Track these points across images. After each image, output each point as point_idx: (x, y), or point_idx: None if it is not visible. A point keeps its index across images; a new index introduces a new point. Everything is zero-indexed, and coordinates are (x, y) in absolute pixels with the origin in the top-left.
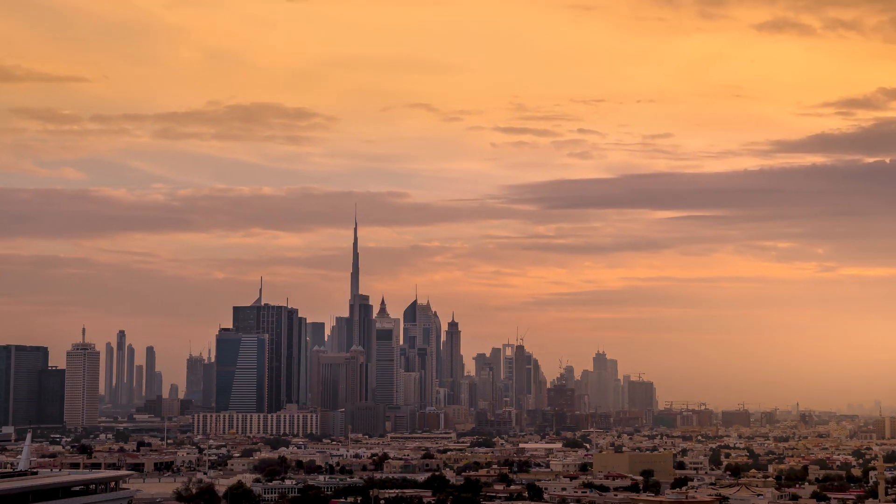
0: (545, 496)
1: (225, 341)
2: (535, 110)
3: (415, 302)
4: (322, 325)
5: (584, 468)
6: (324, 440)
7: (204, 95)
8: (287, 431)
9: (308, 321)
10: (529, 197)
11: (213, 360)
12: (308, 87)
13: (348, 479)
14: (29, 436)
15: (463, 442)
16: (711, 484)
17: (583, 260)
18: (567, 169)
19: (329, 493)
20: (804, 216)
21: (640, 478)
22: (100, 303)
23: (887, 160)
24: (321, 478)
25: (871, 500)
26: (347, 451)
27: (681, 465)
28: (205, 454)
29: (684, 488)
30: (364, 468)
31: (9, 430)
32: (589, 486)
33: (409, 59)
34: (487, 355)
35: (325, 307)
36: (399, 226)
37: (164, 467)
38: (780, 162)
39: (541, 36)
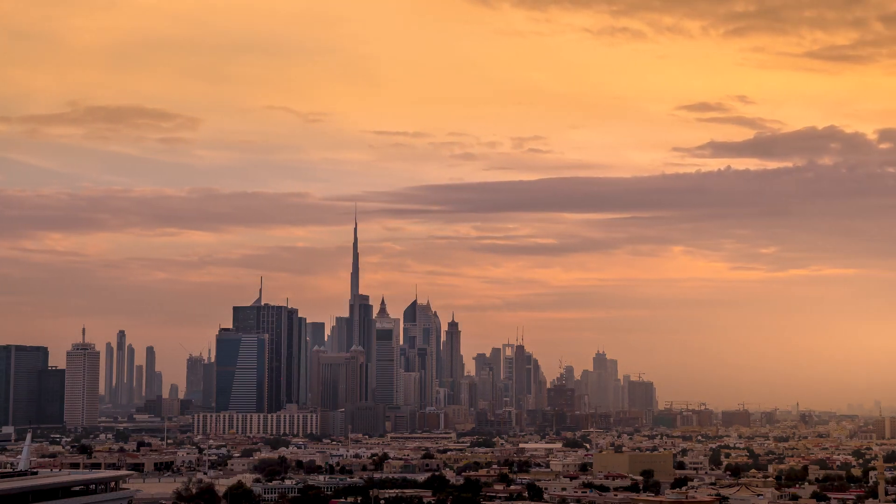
0: (545, 496)
1: (225, 341)
2: (401, 111)
3: (415, 302)
4: (322, 325)
5: (584, 468)
6: (324, 440)
7: (58, 94)
8: (287, 431)
9: (308, 321)
10: (439, 198)
11: (213, 360)
12: (151, 79)
13: (348, 479)
14: (29, 436)
15: (463, 442)
16: (711, 484)
17: (516, 260)
18: (458, 170)
19: (329, 493)
20: (740, 217)
21: (640, 478)
22: (48, 303)
23: (791, 164)
24: (321, 478)
25: (871, 500)
26: (347, 451)
27: (681, 465)
28: (205, 454)
29: (684, 488)
30: (364, 468)
31: (9, 430)
32: (589, 486)
33: (249, 44)
34: (487, 355)
35: (322, 307)
36: (315, 225)
37: (164, 467)
38: (688, 165)
39: (377, 34)
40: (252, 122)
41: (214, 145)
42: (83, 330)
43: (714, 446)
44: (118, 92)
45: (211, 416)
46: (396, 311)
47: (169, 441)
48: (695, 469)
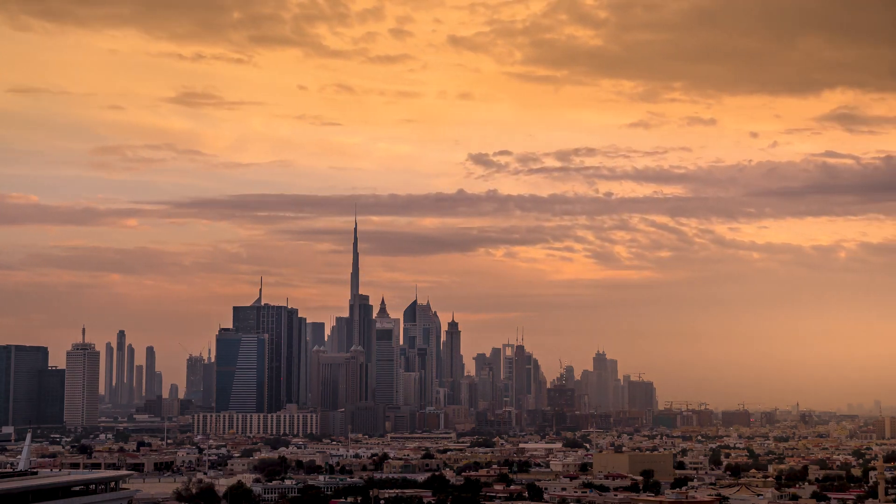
0: (545, 496)
1: (225, 341)
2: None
3: (415, 302)
4: (322, 325)
5: (584, 468)
6: (324, 440)
7: None
8: (287, 431)
9: (308, 321)
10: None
11: (213, 360)
12: None
13: (348, 479)
14: (29, 436)
15: (463, 442)
16: (711, 484)
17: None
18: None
19: (329, 493)
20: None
21: (640, 478)
22: None
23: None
24: (321, 478)
25: (871, 500)
26: (347, 451)
27: (681, 465)
28: (205, 454)
29: (684, 488)
30: (364, 468)
31: (9, 430)
32: (589, 486)
33: None
34: (487, 355)
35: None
36: (110, 226)
37: (164, 467)
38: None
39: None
40: None
41: None
42: (83, 330)
43: (714, 446)
44: None
45: (211, 416)
46: (393, 311)
47: (169, 441)
48: (695, 469)
